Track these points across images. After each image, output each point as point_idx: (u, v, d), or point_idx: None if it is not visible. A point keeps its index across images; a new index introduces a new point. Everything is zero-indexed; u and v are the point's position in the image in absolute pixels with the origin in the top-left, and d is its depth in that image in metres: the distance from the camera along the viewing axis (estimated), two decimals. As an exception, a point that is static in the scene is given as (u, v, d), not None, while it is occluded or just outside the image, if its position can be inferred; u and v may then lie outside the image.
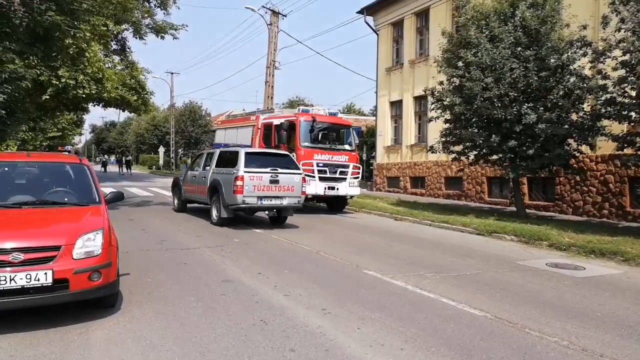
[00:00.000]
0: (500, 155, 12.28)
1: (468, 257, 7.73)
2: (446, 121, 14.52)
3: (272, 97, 24.95)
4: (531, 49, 11.78)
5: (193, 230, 9.60)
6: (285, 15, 25.01)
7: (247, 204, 10.20)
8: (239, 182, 10.08)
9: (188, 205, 12.89)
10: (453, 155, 14.37)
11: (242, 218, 11.36)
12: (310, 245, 8.18)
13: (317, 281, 5.73)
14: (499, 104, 11.72)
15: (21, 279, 3.77)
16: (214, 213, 10.78)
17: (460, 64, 12.83)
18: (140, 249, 7.46)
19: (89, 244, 4.13)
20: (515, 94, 11.63)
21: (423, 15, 21.95)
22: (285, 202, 10.68)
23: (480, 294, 5.41)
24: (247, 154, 10.73)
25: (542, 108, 11.58)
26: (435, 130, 20.26)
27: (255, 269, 6.28)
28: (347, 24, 72.16)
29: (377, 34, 24.55)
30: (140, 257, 6.85)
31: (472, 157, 14.06)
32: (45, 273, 3.84)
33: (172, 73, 44.96)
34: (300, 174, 11.11)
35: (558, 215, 14.51)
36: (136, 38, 17.46)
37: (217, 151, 12.17)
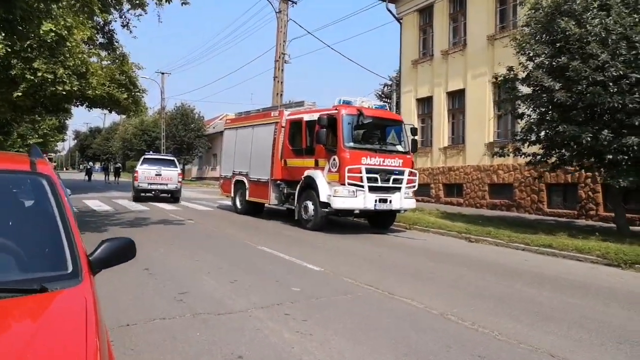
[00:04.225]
0: (610, 157, 9.39)
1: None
2: (518, 117, 11.72)
3: (281, 95, 21.97)
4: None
5: (220, 268, 6.55)
6: (295, 2, 22.08)
7: (141, 187, 17.90)
8: (136, 174, 18.07)
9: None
10: (529, 159, 11.52)
11: (276, 241, 8.36)
12: (417, 299, 5.18)
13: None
14: (614, 89, 8.90)
15: None
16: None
17: (542, 38, 10.07)
18: (149, 315, 4.39)
19: None
20: (638, 76, 8.81)
21: (457, 0, 19.19)
22: (166, 187, 18.05)
23: None
24: (144, 158, 19.37)
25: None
26: (479, 129, 17.52)
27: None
28: (363, 10, 68.12)
29: (400, 23, 21.73)
30: (153, 339, 3.81)
31: (553, 159, 11.25)
32: None
33: (162, 73, 41.55)
34: (176, 170, 18.66)
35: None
36: (130, 15, 14.40)
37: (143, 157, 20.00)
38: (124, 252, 2.18)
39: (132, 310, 4.56)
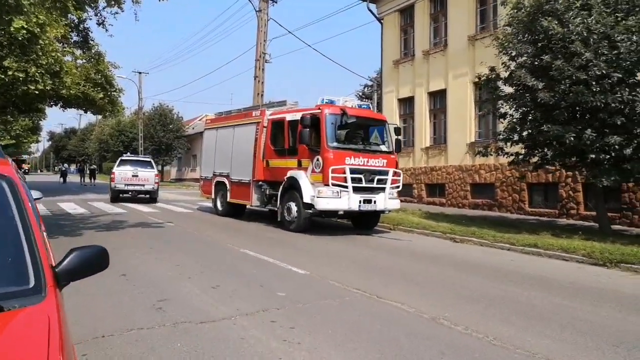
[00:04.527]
0: (593, 156, 9.42)
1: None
2: (500, 116, 11.72)
3: (262, 95, 21.65)
4: (631, 16, 9.07)
5: (202, 273, 6.29)
6: (276, 1, 21.80)
7: (118, 188, 18.11)
8: (113, 176, 18.33)
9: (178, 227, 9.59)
10: (512, 158, 11.53)
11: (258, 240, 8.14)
12: (407, 303, 5.03)
13: None
14: (597, 88, 8.93)
15: None
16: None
17: (524, 38, 10.09)
18: (126, 325, 4.13)
19: None
20: (620, 75, 8.86)
21: (438, 0, 19.21)
22: (143, 188, 18.42)
23: None
24: (121, 160, 19.58)
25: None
26: (460, 129, 17.54)
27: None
28: (344, 10, 68.50)
29: (381, 23, 21.67)
30: (130, 351, 3.56)
31: (536, 159, 11.27)
32: None
33: (139, 72, 40.80)
34: (153, 171, 18.97)
35: (633, 229, 11.90)
36: (106, 13, 14.00)
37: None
38: (95, 261, 1.95)
39: (108, 320, 4.29)
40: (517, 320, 4.55)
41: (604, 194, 12.39)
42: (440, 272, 6.80)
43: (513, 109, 10.97)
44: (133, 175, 18.48)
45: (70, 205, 16.14)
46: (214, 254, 7.89)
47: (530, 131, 10.25)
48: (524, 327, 4.32)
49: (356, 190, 10.19)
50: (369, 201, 10.35)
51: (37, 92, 17.93)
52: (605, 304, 5.25)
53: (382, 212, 11.05)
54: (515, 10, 10.24)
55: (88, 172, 35.59)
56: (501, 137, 11.25)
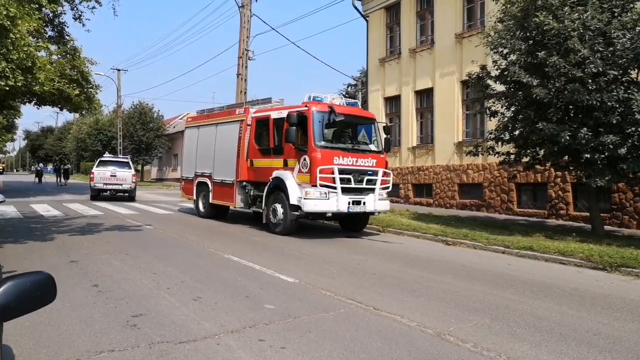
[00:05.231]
0: (587, 156, 9.18)
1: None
2: (491, 115, 11.45)
3: (245, 92, 21.11)
4: (624, 13, 8.86)
5: (182, 282, 5.79)
6: (259, -3, 21.27)
7: (97, 187, 19.18)
8: (92, 175, 19.41)
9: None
10: (502, 158, 11.27)
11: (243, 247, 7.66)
12: (407, 316, 4.63)
13: None
14: (594, 86, 8.68)
15: None
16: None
17: (515, 35, 9.82)
18: (95, 347, 3.64)
19: None
20: (615, 73, 8.62)
21: (425, -3, 18.93)
22: (121, 187, 19.34)
23: None
24: (100, 160, 20.60)
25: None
26: (448, 128, 17.29)
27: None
28: (329, 6, 68.25)
29: (367, 20, 21.32)
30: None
31: (527, 159, 11.03)
32: None
33: (118, 70, 39.70)
34: (130, 171, 19.86)
35: (624, 230, 11.77)
36: (83, 7, 13.34)
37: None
38: (37, 294, 1.48)
39: (75, 340, 3.80)
40: (527, 334, 4.18)
41: (595, 193, 12.22)
42: (437, 279, 6.42)
43: (504, 107, 10.71)
44: (111, 175, 19.56)
45: (43, 207, 15.41)
46: (195, 260, 7.39)
47: (522, 130, 9.97)
48: (536, 343, 3.96)
49: (345, 191, 9.79)
50: (358, 202, 9.95)
51: (7, 88, 17.05)
52: (616, 314, 4.94)
53: (372, 213, 10.67)
54: (509, 5, 9.95)
55: (62, 171, 34.53)
56: (492, 136, 10.97)
